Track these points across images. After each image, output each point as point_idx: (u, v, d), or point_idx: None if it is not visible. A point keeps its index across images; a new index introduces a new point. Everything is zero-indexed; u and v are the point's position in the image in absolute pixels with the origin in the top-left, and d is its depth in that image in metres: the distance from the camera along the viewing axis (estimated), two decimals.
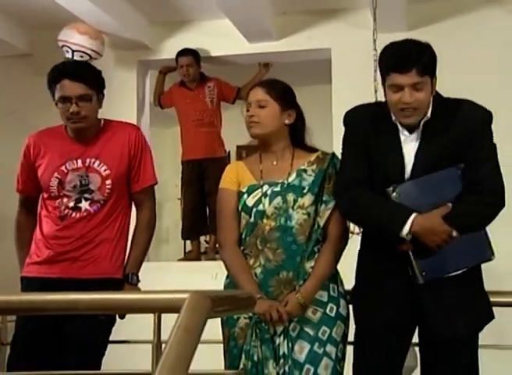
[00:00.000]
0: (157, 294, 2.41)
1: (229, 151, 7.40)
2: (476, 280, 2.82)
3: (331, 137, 5.25)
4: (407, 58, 2.64)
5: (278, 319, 2.81)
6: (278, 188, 2.95)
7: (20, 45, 6.31)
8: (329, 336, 2.87)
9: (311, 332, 2.86)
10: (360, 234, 3.00)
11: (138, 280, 3.32)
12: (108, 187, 3.26)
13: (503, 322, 3.07)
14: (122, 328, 3.38)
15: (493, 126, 2.77)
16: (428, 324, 2.74)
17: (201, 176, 6.29)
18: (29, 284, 3.27)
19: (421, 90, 2.67)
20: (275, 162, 3.02)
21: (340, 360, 2.90)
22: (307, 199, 2.93)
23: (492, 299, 2.84)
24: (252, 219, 2.95)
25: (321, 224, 2.93)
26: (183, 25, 6.29)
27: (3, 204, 5.45)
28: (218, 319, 2.95)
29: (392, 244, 2.72)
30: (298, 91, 3.09)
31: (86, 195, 3.25)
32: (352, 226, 3.12)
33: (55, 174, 3.27)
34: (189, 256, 6.96)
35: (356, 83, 5.52)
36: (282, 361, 2.83)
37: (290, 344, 2.84)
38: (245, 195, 2.98)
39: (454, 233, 2.66)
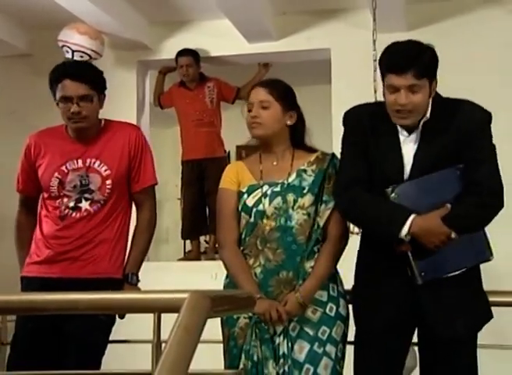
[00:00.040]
0: (157, 294, 2.42)
1: (229, 151, 7.40)
2: (475, 280, 2.82)
3: (330, 137, 5.25)
4: (404, 60, 2.64)
5: (277, 318, 2.81)
6: (278, 188, 2.96)
7: (20, 45, 6.31)
8: (329, 336, 2.87)
9: (311, 332, 2.86)
10: (360, 234, 3.01)
11: (138, 280, 3.33)
12: (108, 187, 3.27)
13: (502, 322, 3.08)
14: (122, 328, 3.38)
15: (493, 127, 2.77)
16: (428, 324, 2.74)
17: (201, 176, 6.30)
18: (29, 284, 3.28)
19: (418, 92, 2.66)
20: (275, 163, 3.02)
21: (340, 360, 2.90)
22: (307, 199, 2.93)
23: (491, 299, 2.84)
24: (252, 219, 2.95)
25: (321, 224, 2.93)
26: (182, 25, 6.30)
27: (3, 204, 5.45)
28: (218, 319, 2.95)
29: (391, 244, 2.73)
30: (298, 91, 3.09)
31: (86, 195, 3.26)
32: (352, 226, 3.12)
33: (56, 174, 3.27)
34: (189, 256, 6.97)
35: (355, 83, 5.52)
36: (281, 361, 2.83)
37: (290, 344, 2.84)
38: (245, 195, 2.98)
39: (453, 235, 2.66)
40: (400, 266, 2.74)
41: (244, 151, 8.13)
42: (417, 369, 2.97)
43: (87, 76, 3.23)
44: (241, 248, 2.98)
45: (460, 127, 2.72)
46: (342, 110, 2.94)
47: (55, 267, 3.24)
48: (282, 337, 2.85)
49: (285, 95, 3.01)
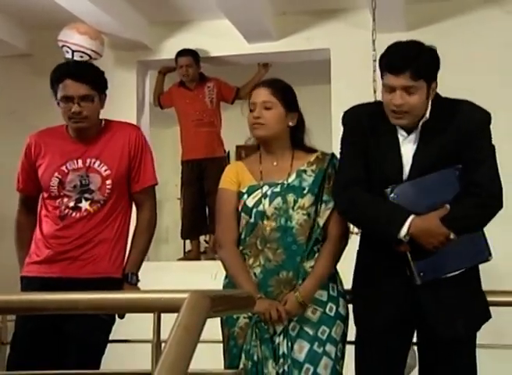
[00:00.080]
0: (156, 294, 2.42)
1: (229, 151, 7.40)
2: (474, 280, 2.83)
3: (330, 138, 5.25)
4: (401, 61, 2.63)
5: (277, 318, 2.81)
6: (278, 189, 2.96)
7: (20, 45, 6.31)
8: (329, 335, 2.87)
9: (311, 331, 2.86)
10: (360, 234, 3.01)
11: (138, 280, 3.33)
12: (108, 187, 3.27)
13: (501, 321, 3.08)
14: (121, 327, 3.38)
15: (492, 127, 2.77)
16: (429, 324, 2.74)
17: (201, 176, 6.30)
18: (29, 284, 3.28)
19: (414, 94, 2.66)
20: (275, 163, 3.02)
21: (340, 359, 2.90)
22: (307, 200, 2.93)
23: (490, 299, 2.85)
24: (252, 220, 2.95)
25: (321, 224, 2.94)
26: (182, 25, 6.30)
27: (3, 204, 5.45)
28: (218, 319, 2.95)
29: (390, 244, 2.73)
30: (297, 91, 3.09)
31: (86, 195, 3.26)
32: (351, 226, 3.13)
33: (56, 174, 3.28)
34: (188, 256, 6.97)
35: (355, 83, 5.52)
36: (281, 360, 2.83)
37: (290, 344, 2.85)
38: (245, 196, 2.98)
39: (452, 236, 2.66)
40: (399, 266, 2.75)
41: (244, 151, 8.15)
42: (417, 369, 2.98)
43: (88, 76, 3.23)
44: (240, 247, 2.98)
45: (459, 128, 2.72)
46: (341, 110, 2.94)
47: (54, 267, 3.24)
48: (281, 337, 2.86)
49: (287, 96, 3.01)
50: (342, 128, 2.93)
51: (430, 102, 2.74)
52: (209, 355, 2.91)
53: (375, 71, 4.59)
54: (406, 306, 2.76)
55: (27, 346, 3.21)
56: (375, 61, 4.61)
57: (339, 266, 3.00)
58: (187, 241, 7.36)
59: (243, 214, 2.97)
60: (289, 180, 2.97)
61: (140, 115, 6.44)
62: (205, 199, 6.25)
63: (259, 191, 2.97)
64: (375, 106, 2.86)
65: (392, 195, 2.72)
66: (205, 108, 6.31)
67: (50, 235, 3.28)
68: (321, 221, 2.94)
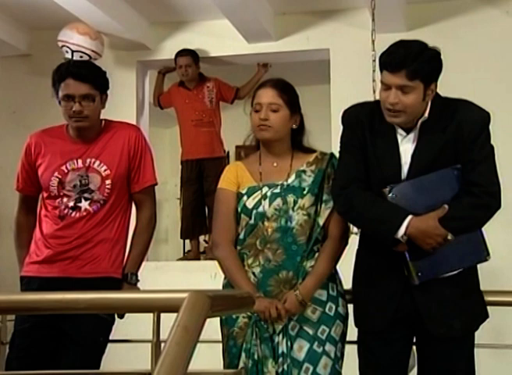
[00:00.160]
0: (156, 294, 2.43)
1: (228, 151, 7.40)
2: (471, 279, 2.83)
3: (330, 138, 5.26)
4: (399, 59, 2.63)
5: (276, 316, 2.82)
6: (277, 190, 2.96)
7: (20, 46, 6.31)
8: (328, 335, 2.88)
9: (310, 331, 2.87)
10: (359, 234, 3.01)
11: (137, 280, 3.33)
12: (107, 187, 3.27)
13: (500, 321, 3.09)
14: (121, 327, 3.39)
15: (491, 127, 2.78)
16: (426, 324, 2.74)
17: (200, 176, 6.30)
18: (28, 284, 3.28)
19: (408, 93, 2.65)
20: (275, 164, 3.02)
21: (339, 359, 2.91)
22: (307, 200, 2.94)
23: (490, 299, 2.85)
24: (252, 221, 2.95)
25: (321, 223, 2.94)
26: (182, 25, 6.30)
27: (3, 203, 5.47)
28: (217, 319, 2.96)
29: (389, 244, 2.73)
30: (297, 91, 3.09)
31: (86, 195, 3.27)
32: (351, 225, 3.13)
33: (56, 174, 3.28)
34: (188, 256, 6.97)
35: (355, 83, 5.53)
36: (281, 359, 2.84)
37: (289, 343, 2.85)
38: (244, 197, 2.98)
39: (449, 237, 2.67)
40: (398, 266, 2.75)
41: (243, 151, 8.14)
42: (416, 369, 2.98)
43: (89, 75, 3.24)
44: (239, 247, 2.98)
45: (458, 127, 2.72)
46: (341, 110, 2.94)
47: (54, 267, 3.25)
48: (281, 336, 2.86)
49: (292, 98, 3.00)
50: (341, 128, 2.93)
51: (429, 102, 2.74)
52: (209, 354, 2.92)
53: (374, 71, 4.59)
54: (404, 306, 2.76)
55: (26, 346, 3.21)
56: (374, 61, 4.62)
57: (338, 266, 3.00)
58: (187, 241, 7.35)
59: (242, 215, 2.97)
60: (289, 181, 2.97)
61: (139, 115, 6.43)
62: (205, 199, 6.25)
63: (259, 192, 2.97)
64: (375, 105, 2.85)
65: (390, 195, 2.72)
66: (205, 108, 6.31)
67: (50, 235, 3.28)
68: (321, 221, 2.94)
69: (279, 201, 2.94)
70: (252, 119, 2.98)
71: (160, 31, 6.31)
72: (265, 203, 2.94)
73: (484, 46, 5.71)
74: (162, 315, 2.29)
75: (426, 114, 2.74)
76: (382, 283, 2.81)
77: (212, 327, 2.51)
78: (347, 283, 2.99)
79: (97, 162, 3.28)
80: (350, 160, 2.84)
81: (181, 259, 7.01)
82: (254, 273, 2.92)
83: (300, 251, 2.91)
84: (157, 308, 2.30)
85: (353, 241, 2.99)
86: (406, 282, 2.74)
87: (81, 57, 5.65)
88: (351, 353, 2.95)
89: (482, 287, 2.85)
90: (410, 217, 2.67)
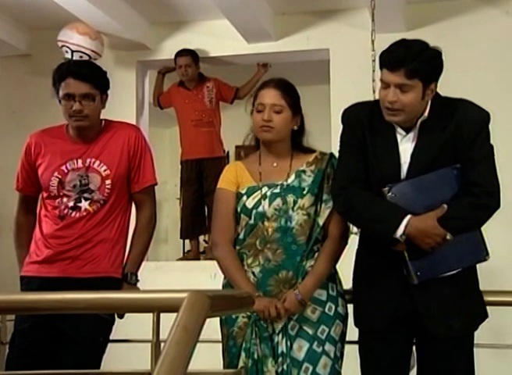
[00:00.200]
0: (156, 294, 2.43)
1: (228, 151, 7.40)
2: (471, 279, 2.83)
3: (329, 138, 5.26)
4: (398, 58, 2.63)
5: (276, 315, 2.82)
6: (277, 190, 2.96)
7: (20, 45, 6.31)
8: (328, 335, 2.88)
9: (310, 331, 2.87)
10: (358, 234, 3.01)
11: (137, 280, 3.33)
12: (107, 187, 3.28)
13: (500, 321, 3.09)
14: (121, 327, 3.39)
15: (490, 127, 2.78)
16: (425, 324, 2.75)
17: (200, 176, 6.31)
18: (28, 284, 3.28)
19: (407, 92, 2.65)
20: (275, 164, 3.02)
21: (339, 359, 2.91)
22: (307, 200, 2.94)
23: (489, 299, 2.86)
24: (252, 221, 2.96)
25: (321, 223, 2.94)
26: (181, 25, 6.30)
27: (3, 203, 5.47)
28: (217, 318, 2.96)
29: (387, 243, 2.73)
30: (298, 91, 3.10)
31: (85, 195, 3.27)
32: (351, 225, 3.13)
33: (56, 174, 3.28)
34: (188, 256, 6.97)
35: (354, 83, 5.53)
36: (280, 359, 2.84)
37: (289, 343, 2.85)
38: (244, 197, 2.98)
39: (448, 236, 2.67)
40: (397, 266, 2.75)
41: (243, 151, 8.15)
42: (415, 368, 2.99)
43: (90, 75, 3.24)
44: (238, 247, 2.98)
45: (458, 127, 2.72)
46: (341, 110, 2.94)
47: (54, 267, 3.25)
48: (280, 336, 2.86)
49: (295, 100, 3.00)
50: (341, 127, 2.93)
51: (429, 102, 2.74)
52: (208, 354, 2.92)
53: (374, 71, 4.60)
54: (403, 306, 2.76)
55: (26, 345, 3.21)
56: (374, 61, 4.62)
57: (338, 266, 3.00)
58: (186, 241, 7.36)
59: (242, 215, 2.98)
60: (289, 181, 2.97)
61: (139, 115, 6.44)
62: (204, 199, 6.25)
63: (258, 192, 2.97)
64: (375, 105, 2.84)
65: (389, 194, 2.72)
66: (204, 108, 6.31)
67: (50, 235, 3.28)
68: (321, 221, 2.95)
69: (278, 201, 2.94)
70: (254, 120, 2.98)
71: (160, 31, 6.31)
72: (265, 203, 2.95)
73: (484, 46, 5.71)
74: (162, 315, 2.29)
75: (426, 113, 2.74)
76: (382, 282, 2.81)
77: (212, 327, 2.51)
78: (347, 283, 2.99)
79: (97, 162, 3.29)
80: (349, 160, 2.85)
81: (181, 259, 7.01)
82: (253, 273, 2.92)
83: (299, 251, 2.91)
84: (157, 308, 2.30)
85: (353, 241, 2.99)
86: (405, 281, 2.74)
87: (81, 57, 5.65)
88: (351, 353, 2.95)
89: (482, 287, 2.85)
90: (408, 217, 2.68)
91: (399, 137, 2.78)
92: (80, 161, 3.29)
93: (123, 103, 6.00)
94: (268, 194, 2.96)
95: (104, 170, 3.28)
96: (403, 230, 2.67)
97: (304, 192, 2.95)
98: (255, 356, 2.86)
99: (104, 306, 2.55)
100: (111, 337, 3.33)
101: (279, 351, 2.85)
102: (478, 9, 5.76)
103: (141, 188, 3.36)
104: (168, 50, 6.28)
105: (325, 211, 2.95)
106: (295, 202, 2.94)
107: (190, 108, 6.31)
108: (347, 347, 2.96)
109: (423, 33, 5.37)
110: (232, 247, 2.99)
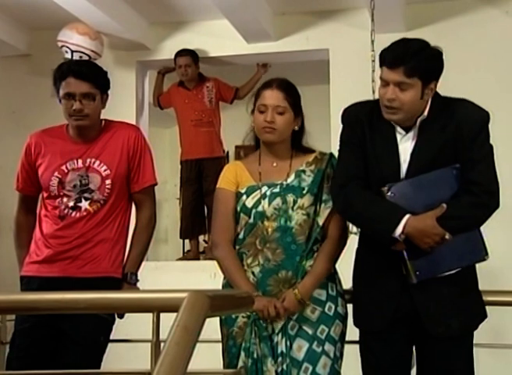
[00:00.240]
0: (155, 294, 2.43)
1: (228, 151, 7.41)
2: (470, 279, 2.83)
3: (329, 137, 5.26)
4: (398, 56, 2.64)
5: (275, 315, 2.82)
6: (277, 189, 2.96)
7: (20, 46, 6.31)
8: (328, 335, 2.88)
9: (310, 331, 2.87)
10: (358, 234, 3.02)
11: (137, 280, 3.34)
12: (107, 187, 3.28)
13: (499, 321, 3.09)
14: (121, 327, 3.39)
15: (490, 127, 2.78)
16: (423, 322, 2.75)
17: (200, 176, 6.31)
18: (28, 283, 3.29)
19: (406, 91, 2.66)
20: (275, 164, 3.02)
21: (338, 359, 2.91)
22: (307, 200, 2.94)
23: (489, 298, 2.86)
24: (252, 220, 2.96)
25: (321, 223, 2.94)
26: (181, 25, 6.30)
27: (3, 203, 5.47)
28: (217, 318, 2.96)
29: (386, 243, 2.73)
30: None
31: (86, 195, 3.27)
32: (350, 226, 3.14)
33: (56, 174, 3.29)
34: (187, 256, 6.97)
35: (354, 83, 5.54)
36: (280, 359, 2.84)
37: (289, 343, 2.85)
38: (244, 196, 2.98)
39: (447, 236, 2.67)
40: (397, 265, 2.75)
41: (243, 151, 8.15)
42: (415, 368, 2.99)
43: (90, 74, 3.25)
44: (238, 247, 2.98)
45: (458, 126, 2.72)
46: (340, 110, 2.94)
47: (54, 266, 3.25)
48: (280, 336, 2.86)
49: (297, 101, 3.00)
50: (341, 128, 2.93)
51: (429, 101, 2.75)
52: (208, 354, 2.92)
53: (373, 71, 4.60)
54: (403, 305, 2.76)
55: (27, 345, 3.21)
56: (373, 61, 4.63)
57: (338, 266, 3.00)
58: (186, 241, 7.36)
59: (242, 214, 2.98)
60: (289, 181, 2.98)
61: (139, 115, 6.44)
62: (204, 199, 6.26)
63: (258, 191, 2.97)
64: (375, 104, 2.85)
65: (389, 194, 2.72)
66: (204, 108, 6.31)
67: (50, 235, 3.29)
68: (320, 220, 2.95)
69: (278, 200, 2.94)
70: (256, 120, 2.97)
71: (159, 31, 6.31)
72: (265, 202, 2.95)
73: (484, 46, 5.71)
74: (162, 315, 2.29)
75: (425, 113, 2.75)
76: (381, 281, 2.81)
77: (212, 327, 2.51)
78: (347, 282, 2.99)
79: (97, 162, 3.29)
80: (349, 158, 2.85)
81: (181, 259, 7.01)
82: (253, 273, 2.92)
83: (299, 250, 2.91)
84: (156, 308, 2.30)
85: (353, 241, 2.99)
86: (404, 281, 2.74)
87: (81, 57, 5.65)
88: (351, 353, 2.95)
89: (481, 287, 2.86)
90: (407, 216, 2.68)
91: (398, 137, 2.78)
92: (80, 161, 3.29)
93: (123, 103, 6.00)
94: (268, 193, 2.96)
95: (105, 170, 3.29)
96: (402, 230, 2.67)
97: (304, 192, 2.95)
98: (255, 356, 2.86)
99: (104, 306, 2.55)
100: (111, 337, 3.33)
101: (279, 351, 2.85)
102: (478, 9, 5.77)
103: (141, 188, 3.36)
104: (167, 50, 6.29)
105: (324, 211, 2.95)
106: (295, 202, 2.94)
107: (189, 108, 6.31)
108: (347, 347, 2.96)
109: (423, 34, 5.33)
110: (232, 247, 2.99)
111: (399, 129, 2.78)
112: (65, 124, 3.37)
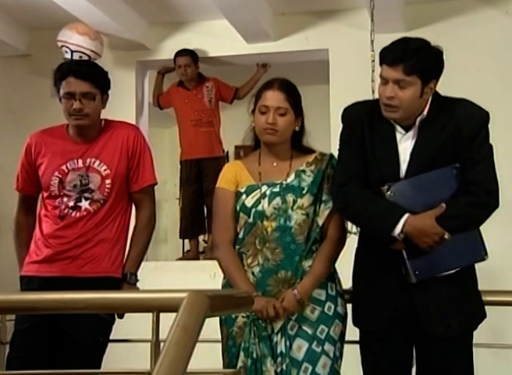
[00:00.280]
0: (155, 294, 2.43)
1: (227, 151, 7.41)
2: (469, 278, 2.83)
3: (329, 138, 5.26)
4: (397, 54, 2.64)
5: (274, 315, 2.82)
6: (277, 189, 2.97)
7: (20, 46, 6.31)
8: (327, 335, 2.88)
9: (309, 330, 2.87)
10: (358, 234, 3.02)
11: (137, 280, 3.34)
12: (107, 186, 3.28)
13: (499, 321, 3.09)
14: (121, 327, 3.39)
15: (490, 126, 2.78)
16: (423, 322, 2.75)
17: (200, 176, 6.31)
18: (28, 283, 3.29)
19: (405, 89, 2.66)
20: (275, 164, 3.02)
21: (338, 359, 2.91)
22: (307, 200, 2.94)
23: (488, 298, 2.86)
24: (251, 220, 2.96)
25: (320, 223, 2.94)
26: (181, 26, 6.30)
27: (3, 203, 5.46)
28: (217, 318, 2.96)
29: (386, 242, 2.74)
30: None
31: (86, 195, 3.27)
32: (350, 226, 3.14)
33: (56, 173, 3.29)
34: (187, 256, 6.97)
35: (354, 83, 5.53)
36: (280, 359, 2.84)
37: (288, 343, 2.85)
38: (243, 196, 2.98)
39: (446, 236, 2.67)
40: (396, 264, 2.75)
41: (243, 150, 8.15)
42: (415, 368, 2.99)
43: (91, 74, 3.25)
44: (238, 246, 2.98)
45: (457, 126, 2.73)
46: (340, 110, 2.94)
47: (54, 266, 3.25)
48: (280, 336, 2.86)
49: (298, 102, 2.99)
50: (340, 128, 2.93)
51: (429, 100, 2.75)
52: (208, 354, 2.92)
53: (373, 71, 4.60)
54: (402, 305, 2.76)
55: (26, 346, 3.21)
56: (373, 61, 4.63)
57: (337, 266, 3.01)
58: (186, 241, 7.36)
59: (241, 214, 2.98)
60: (288, 180, 2.98)
61: (139, 115, 6.44)
62: (204, 199, 6.26)
63: (258, 190, 2.97)
64: (375, 104, 2.85)
65: (388, 193, 2.72)
66: (204, 108, 6.32)
67: (50, 235, 3.29)
68: (320, 221, 2.95)
69: (278, 200, 2.95)
70: (258, 121, 2.97)
71: (159, 31, 6.32)
72: (264, 202, 2.95)
73: (484, 46, 5.71)
74: (162, 315, 2.29)
75: (425, 112, 2.75)
76: (381, 281, 2.81)
77: (211, 327, 2.52)
78: (346, 282, 2.99)
79: (97, 162, 3.29)
80: (348, 157, 2.85)
81: (180, 259, 7.01)
82: (253, 273, 2.92)
83: (298, 250, 2.91)
84: (156, 307, 2.30)
85: (353, 241, 2.99)
86: (404, 280, 2.75)
87: (80, 57, 5.65)
88: (351, 353, 2.95)
89: (481, 287, 2.86)
90: (407, 215, 2.68)
91: (398, 136, 2.78)
92: (80, 161, 3.29)
93: (123, 103, 6.00)
94: (268, 193, 2.96)
95: (105, 170, 3.29)
96: (401, 229, 2.67)
97: (304, 192, 2.95)
98: (254, 355, 2.86)
99: (104, 306, 2.55)
100: (111, 337, 3.33)
101: (278, 351, 2.85)
102: (478, 9, 5.77)
103: (140, 188, 3.36)
104: (167, 50, 6.29)
105: (324, 211, 2.95)
106: (294, 202, 2.94)
107: (189, 108, 6.31)
108: (347, 347, 2.96)
109: (422, 34, 5.32)
110: (233, 247, 2.99)
111: (399, 128, 2.78)
112: (65, 124, 3.37)
